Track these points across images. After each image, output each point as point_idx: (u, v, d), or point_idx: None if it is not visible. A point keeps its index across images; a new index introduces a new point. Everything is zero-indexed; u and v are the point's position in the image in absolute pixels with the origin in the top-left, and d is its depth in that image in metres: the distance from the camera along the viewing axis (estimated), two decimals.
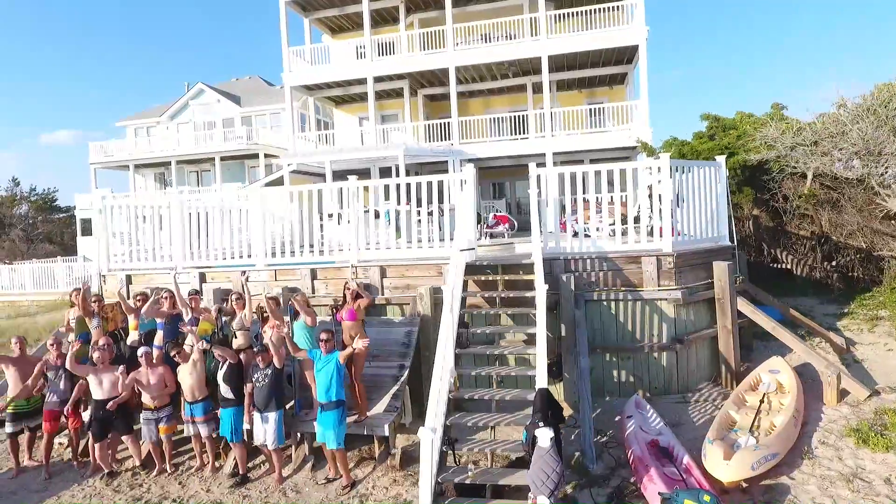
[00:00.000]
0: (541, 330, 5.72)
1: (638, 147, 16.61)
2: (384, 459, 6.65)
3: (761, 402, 6.81)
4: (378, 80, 18.85)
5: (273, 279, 8.93)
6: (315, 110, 32.12)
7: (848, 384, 7.16)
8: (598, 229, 11.51)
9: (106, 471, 6.97)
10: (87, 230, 30.19)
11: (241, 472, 6.64)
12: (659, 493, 4.87)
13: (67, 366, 6.71)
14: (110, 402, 6.64)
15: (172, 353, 6.84)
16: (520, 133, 19.12)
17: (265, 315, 7.31)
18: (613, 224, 10.34)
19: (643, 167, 7.96)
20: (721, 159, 8.70)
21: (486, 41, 18.38)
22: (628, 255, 7.79)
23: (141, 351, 6.88)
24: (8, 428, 7.28)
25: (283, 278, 8.90)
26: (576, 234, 8.10)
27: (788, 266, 13.80)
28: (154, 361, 6.94)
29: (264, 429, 6.45)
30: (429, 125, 19.45)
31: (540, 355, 5.38)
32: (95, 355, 6.82)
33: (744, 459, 5.35)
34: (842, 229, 13.34)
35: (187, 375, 6.78)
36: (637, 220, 9.29)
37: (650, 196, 8.42)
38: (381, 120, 22.13)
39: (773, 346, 9.35)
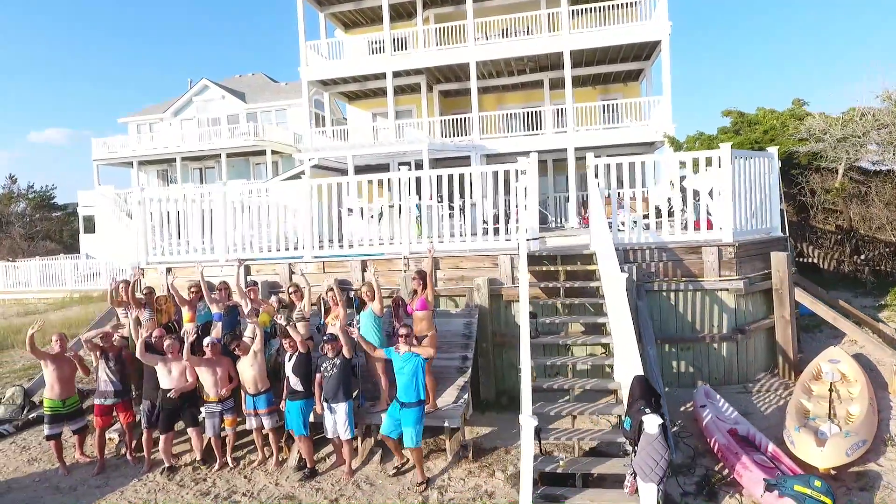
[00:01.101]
0: (626, 317, 5.63)
1: (664, 141, 16.62)
2: (455, 451, 6.54)
3: (830, 391, 6.79)
4: (396, 75, 18.72)
5: (321, 271, 8.80)
6: (318, 106, 31.97)
7: None
8: (622, 223, 11.42)
9: (166, 465, 6.81)
10: (89, 227, 29.76)
11: (308, 466, 6.50)
12: (765, 480, 4.82)
13: (137, 354, 6.53)
14: (171, 391, 6.55)
15: (232, 346, 6.70)
16: (538, 128, 19.08)
17: (326, 307, 7.21)
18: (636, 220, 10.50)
19: (703, 157, 7.91)
20: (773, 150, 8.69)
21: (504, 36, 18.31)
22: (689, 245, 7.76)
23: (207, 340, 6.74)
24: (47, 430, 7.00)
25: (332, 270, 8.77)
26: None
27: (815, 260, 13.86)
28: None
29: (334, 420, 6.34)
30: (444, 121, 19.37)
31: (630, 342, 5.31)
32: (166, 343, 6.66)
33: (838, 446, 5.32)
34: (870, 223, 13.43)
35: (248, 367, 6.64)
36: (659, 213, 9.31)
37: (683, 190, 8.46)
38: (396, 115, 21.99)
39: (819, 338, 9.37)
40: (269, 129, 28.12)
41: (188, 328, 7.35)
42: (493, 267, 8.16)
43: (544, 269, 7.79)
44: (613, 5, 17.50)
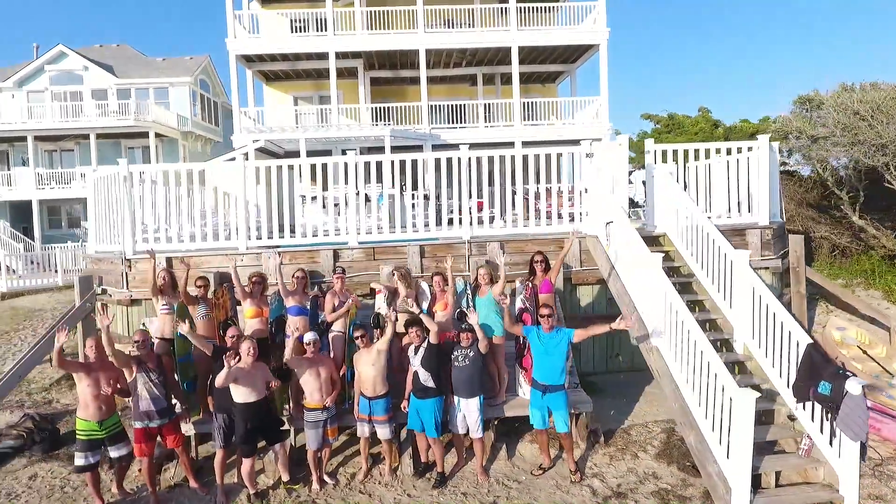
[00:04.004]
0: (766, 290, 5.90)
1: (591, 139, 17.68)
2: (585, 437, 6.28)
3: (864, 352, 7.82)
4: (322, 56, 17.48)
5: (371, 258, 7.92)
6: (202, 86, 28.74)
7: None
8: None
9: (251, 491, 5.59)
10: None
11: (439, 471, 5.79)
12: None
13: (219, 383, 5.19)
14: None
15: (356, 335, 5.70)
16: (463, 122, 19.20)
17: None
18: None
19: (745, 147, 8.61)
20: (775, 144, 9.74)
21: (450, 27, 18.13)
22: (735, 227, 8.37)
23: (308, 338, 5.64)
24: (78, 460, 5.37)
25: (383, 257, 7.93)
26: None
27: None
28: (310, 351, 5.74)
29: (464, 416, 5.74)
30: (387, 108, 18.65)
31: (783, 313, 5.59)
32: (244, 347, 5.40)
33: None
34: (784, 215, 15.76)
35: (369, 366, 5.67)
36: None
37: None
38: (320, 100, 20.66)
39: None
40: (152, 109, 24.51)
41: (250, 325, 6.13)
42: (559, 251, 8.03)
43: None
44: (554, 7, 18.26)
